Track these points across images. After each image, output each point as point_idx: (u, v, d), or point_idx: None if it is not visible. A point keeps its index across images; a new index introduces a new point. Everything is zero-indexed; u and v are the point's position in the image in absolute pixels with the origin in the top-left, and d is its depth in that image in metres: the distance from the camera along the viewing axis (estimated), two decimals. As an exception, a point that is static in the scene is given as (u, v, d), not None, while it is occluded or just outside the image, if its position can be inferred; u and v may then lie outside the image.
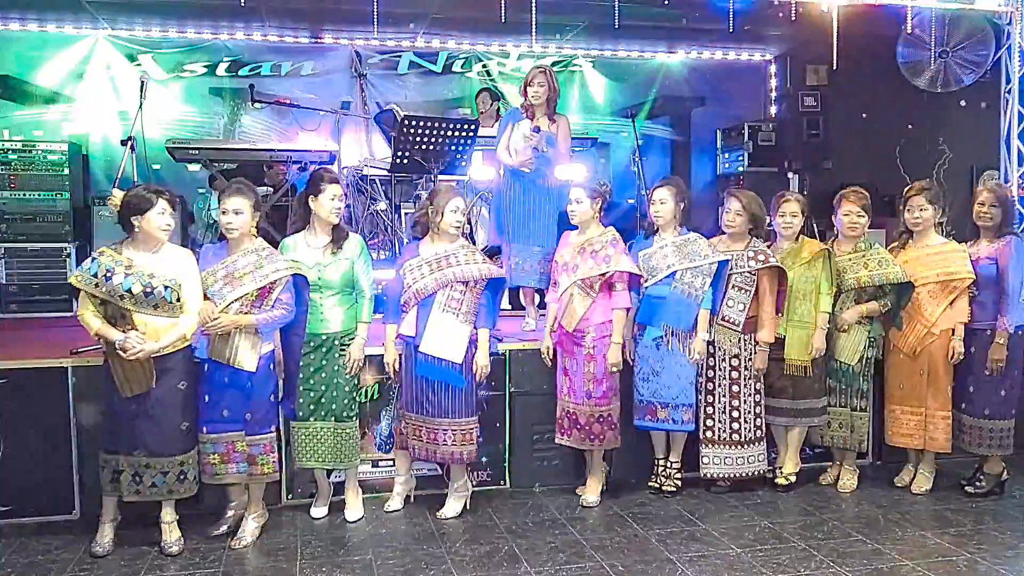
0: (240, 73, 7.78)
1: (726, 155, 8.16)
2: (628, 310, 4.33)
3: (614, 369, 4.29)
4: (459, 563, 3.69)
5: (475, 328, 4.17)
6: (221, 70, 7.77)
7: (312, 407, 4.10)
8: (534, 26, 5.46)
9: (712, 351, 4.50)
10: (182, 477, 3.76)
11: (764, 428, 4.58)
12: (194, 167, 6.48)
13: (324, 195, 4.03)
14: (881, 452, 5.07)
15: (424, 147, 5.20)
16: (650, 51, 8.42)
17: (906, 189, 4.64)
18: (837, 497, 4.59)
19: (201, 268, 3.83)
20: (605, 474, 4.55)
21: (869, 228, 4.66)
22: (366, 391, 4.46)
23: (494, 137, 6.38)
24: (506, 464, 4.71)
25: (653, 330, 4.40)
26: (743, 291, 4.45)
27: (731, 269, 4.44)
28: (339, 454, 4.15)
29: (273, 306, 3.82)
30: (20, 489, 4.16)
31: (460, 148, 5.32)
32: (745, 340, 4.47)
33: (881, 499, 4.54)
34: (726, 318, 4.47)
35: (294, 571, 3.63)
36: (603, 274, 4.24)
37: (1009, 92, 6.08)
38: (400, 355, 4.23)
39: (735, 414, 4.50)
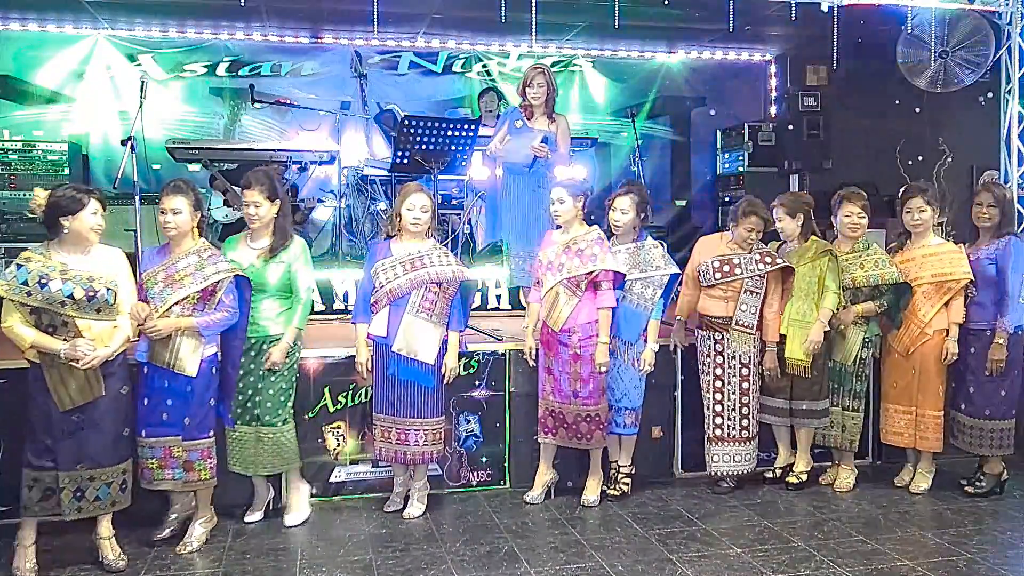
0: (240, 73, 7.79)
1: (726, 155, 8.16)
2: (614, 308, 4.30)
3: (603, 369, 4.27)
4: (459, 563, 3.69)
5: (447, 330, 4.17)
6: (221, 70, 7.77)
7: (239, 411, 4.02)
8: (534, 26, 5.46)
9: (719, 350, 4.51)
10: (124, 487, 3.64)
11: (759, 426, 4.62)
12: (194, 167, 6.48)
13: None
14: (881, 452, 5.08)
15: (424, 147, 5.21)
16: (650, 51, 8.43)
17: (903, 190, 4.65)
18: (837, 497, 4.59)
19: (141, 271, 3.76)
20: (601, 475, 4.54)
21: (869, 228, 4.67)
22: (366, 391, 4.46)
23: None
24: (506, 464, 4.71)
25: None
26: (753, 294, 4.46)
27: (742, 274, 4.44)
28: (270, 459, 4.05)
29: (216, 308, 3.74)
30: (19, 490, 4.14)
31: (460, 148, 5.33)
32: (754, 339, 4.50)
33: (881, 499, 4.54)
34: (740, 322, 4.47)
35: (294, 571, 3.63)
36: (589, 273, 4.21)
37: (1009, 92, 6.08)
38: (371, 355, 4.20)
39: (744, 411, 4.52)
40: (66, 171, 6.64)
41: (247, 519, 4.17)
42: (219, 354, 3.86)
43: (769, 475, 4.75)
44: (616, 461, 4.60)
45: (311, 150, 6.27)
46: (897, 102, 7.51)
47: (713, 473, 4.62)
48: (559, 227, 4.41)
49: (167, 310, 3.67)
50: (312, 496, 4.32)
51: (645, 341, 4.40)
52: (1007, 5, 6.00)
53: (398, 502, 4.38)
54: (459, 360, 4.27)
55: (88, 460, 3.52)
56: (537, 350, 4.43)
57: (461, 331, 4.28)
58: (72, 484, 3.50)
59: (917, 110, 7.39)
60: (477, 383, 4.59)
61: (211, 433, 3.86)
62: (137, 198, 5.47)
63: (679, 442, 4.93)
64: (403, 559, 3.75)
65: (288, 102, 7.34)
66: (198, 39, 7.59)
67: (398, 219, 4.17)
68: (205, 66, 7.73)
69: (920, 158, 7.84)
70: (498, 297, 6.09)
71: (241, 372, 3.99)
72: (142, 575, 3.60)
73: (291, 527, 4.11)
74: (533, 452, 4.62)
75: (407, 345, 4.09)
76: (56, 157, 6.68)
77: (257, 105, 7.37)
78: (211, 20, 7.33)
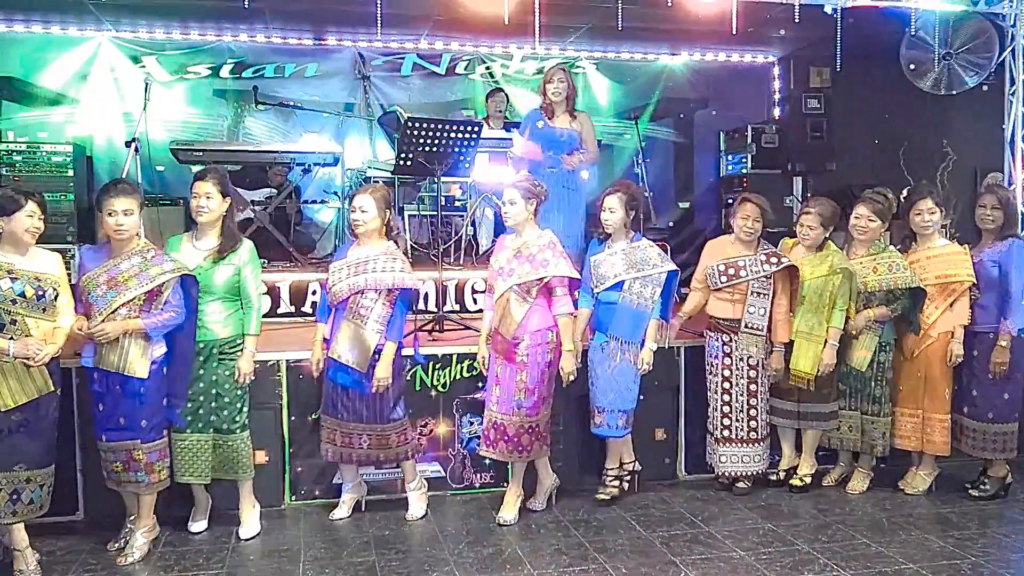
0: (244, 75, 7.79)
1: (729, 157, 8.14)
2: (573, 314, 4.21)
3: (570, 378, 4.17)
4: (462, 565, 3.69)
5: (384, 338, 4.04)
6: (225, 72, 7.77)
7: (190, 418, 3.92)
8: (538, 28, 5.46)
9: (727, 352, 4.51)
10: (50, 491, 3.63)
11: (769, 426, 4.61)
12: (198, 169, 6.48)
13: (191, 193, 3.89)
14: (887, 455, 5.06)
15: (428, 149, 5.21)
16: (653, 53, 8.43)
17: (910, 191, 4.63)
18: (841, 500, 4.58)
19: (79, 273, 3.74)
20: (556, 486, 4.46)
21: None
22: None
23: (500, 139, 6.42)
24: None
25: (600, 336, 4.36)
26: (761, 296, 4.45)
27: (748, 275, 4.44)
28: (223, 467, 4.00)
29: (163, 309, 3.71)
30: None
31: (464, 150, 5.33)
32: (766, 342, 4.50)
33: (885, 502, 4.53)
34: (750, 325, 4.47)
35: (297, 572, 3.64)
36: (541, 279, 4.10)
37: (1013, 94, 6.07)
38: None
39: (752, 412, 4.52)
40: (70, 172, 6.63)
41: (193, 528, 4.08)
42: (169, 354, 3.80)
43: (773, 477, 4.74)
44: (607, 465, 4.54)
45: (315, 152, 6.27)
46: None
47: (722, 474, 4.62)
48: (511, 230, 4.30)
49: (112, 312, 3.62)
50: (315, 497, 4.33)
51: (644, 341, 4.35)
52: (1011, 7, 5.99)
53: (346, 509, 4.31)
54: (392, 370, 4.07)
55: (26, 461, 3.51)
56: (489, 359, 4.29)
57: (398, 340, 4.12)
58: (8, 486, 3.47)
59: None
60: (480, 385, 4.56)
61: (165, 433, 3.83)
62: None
63: (683, 444, 4.93)
64: (406, 560, 3.75)
65: (292, 104, 7.34)
66: (202, 41, 7.60)
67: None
68: (209, 68, 7.74)
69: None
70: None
71: (190, 378, 3.92)
72: (147, 574, 3.62)
73: (247, 539, 4.02)
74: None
75: (339, 351, 4.03)
76: (60, 159, 6.67)
77: (261, 107, 7.39)
78: (215, 22, 7.34)
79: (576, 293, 4.37)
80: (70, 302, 3.68)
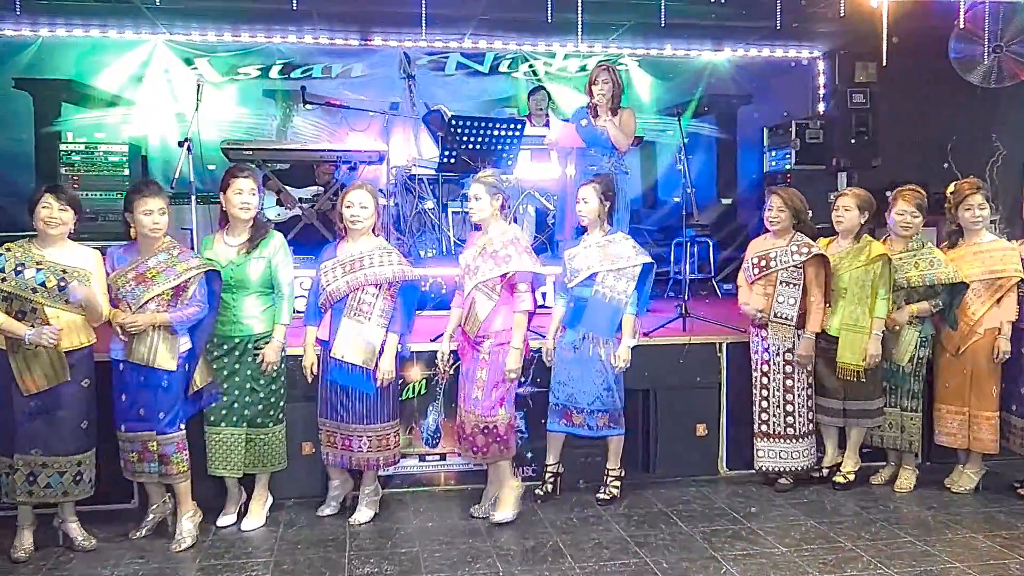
0: (292, 75, 7.95)
1: (773, 153, 8.09)
2: (531, 311, 4.15)
3: (512, 376, 4.09)
4: (504, 557, 3.75)
5: (386, 332, 4.04)
6: (274, 72, 7.94)
7: (224, 412, 3.98)
8: (580, 26, 5.49)
9: (766, 347, 4.50)
10: (78, 478, 3.71)
11: (814, 423, 4.59)
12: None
13: (231, 190, 3.96)
14: (931, 453, 5.01)
15: (471, 146, 5.27)
16: (696, 49, 8.39)
17: (957, 186, 4.56)
18: (886, 497, 4.54)
19: (109, 271, 3.79)
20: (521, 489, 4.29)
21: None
22: (413, 387, 4.53)
23: (541, 137, 6.48)
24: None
25: (572, 333, 4.28)
26: (791, 286, 4.44)
27: (777, 266, 4.44)
28: (257, 460, 4.06)
29: (188, 303, 3.79)
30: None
31: (507, 147, 5.39)
32: (800, 335, 4.47)
33: (931, 500, 4.48)
34: (778, 314, 4.46)
35: (343, 562, 3.72)
36: (505, 275, 4.05)
37: (1065, 87, 5.95)
38: (319, 358, 4.13)
39: (789, 408, 4.51)
40: (126, 172, 6.86)
41: (221, 523, 4.12)
42: (193, 349, 3.88)
43: (816, 474, 4.71)
44: (608, 465, 4.48)
45: (360, 150, 6.37)
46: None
47: (759, 468, 4.61)
48: (478, 227, 4.27)
49: (141, 307, 3.71)
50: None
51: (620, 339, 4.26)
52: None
53: (334, 506, 4.30)
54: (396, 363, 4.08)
55: (42, 446, 3.63)
56: (454, 356, 4.26)
57: (404, 334, 4.13)
58: (25, 468, 3.63)
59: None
60: (522, 380, 4.55)
61: (183, 426, 3.89)
62: (193, 198, 5.64)
63: (724, 440, 4.92)
64: (448, 552, 3.82)
65: (338, 103, 7.46)
66: (252, 43, 7.78)
67: (339, 218, 4.10)
68: (258, 69, 7.91)
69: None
70: (544, 295, 6.13)
71: (225, 373, 3.99)
72: (197, 562, 3.73)
73: (250, 531, 4.08)
74: (577, 448, 4.65)
75: (342, 349, 4.00)
76: (117, 158, 6.90)
77: (308, 106, 7.51)
78: (264, 24, 7.51)
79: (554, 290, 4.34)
80: (105, 297, 3.74)
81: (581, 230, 4.44)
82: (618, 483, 4.49)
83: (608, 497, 4.44)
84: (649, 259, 4.31)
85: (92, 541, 3.85)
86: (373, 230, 4.16)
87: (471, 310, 4.10)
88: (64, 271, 3.63)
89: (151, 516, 4.03)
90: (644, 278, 4.30)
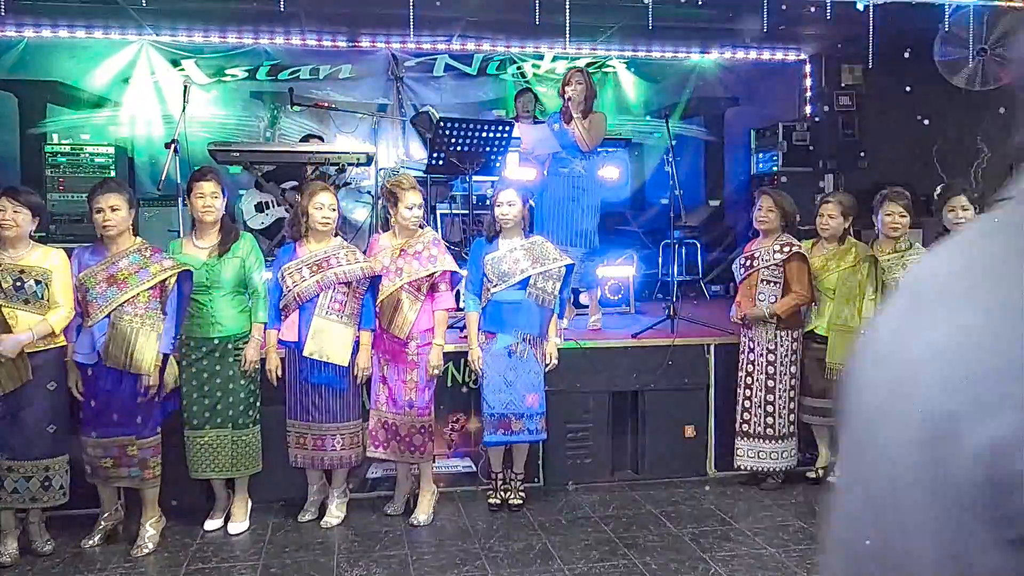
0: (280, 77, 7.91)
1: (760, 155, 8.12)
2: (451, 309, 4.23)
3: (436, 372, 4.16)
4: (493, 559, 3.75)
5: (358, 329, 4.09)
6: (261, 74, 7.90)
7: (207, 415, 3.97)
8: (568, 28, 5.50)
9: (752, 347, 4.52)
10: (47, 484, 3.65)
11: (797, 424, 4.61)
12: (235, 169, 6.62)
13: (193, 193, 3.95)
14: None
15: (459, 148, 5.27)
16: (684, 51, 8.42)
17: (944, 189, 4.60)
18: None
19: (76, 271, 3.74)
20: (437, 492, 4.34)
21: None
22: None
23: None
24: (540, 461, 4.76)
25: (505, 338, 4.23)
26: (772, 284, 4.50)
27: (759, 264, 4.49)
28: (237, 462, 4.04)
29: (167, 305, 3.76)
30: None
31: (495, 149, 5.39)
32: (781, 336, 4.50)
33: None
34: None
35: (332, 565, 3.71)
36: (431, 275, 4.13)
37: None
38: (284, 361, 4.12)
39: (769, 408, 4.53)
40: (112, 173, 6.79)
41: (208, 527, 4.10)
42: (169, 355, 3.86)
43: (810, 475, 4.74)
44: (511, 469, 4.44)
45: (348, 152, 6.36)
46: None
47: (738, 467, 4.64)
48: (386, 229, 4.26)
49: (114, 310, 3.65)
50: (350, 490, 4.41)
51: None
52: (1048, 1, 5.93)
53: (313, 511, 4.27)
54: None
55: (7, 450, 3.60)
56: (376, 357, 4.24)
57: (372, 329, 4.16)
58: None
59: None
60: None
61: (159, 430, 3.87)
62: (180, 200, 5.60)
63: (712, 441, 4.95)
64: (438, 555, 3.82)
65: (326, 105, 7.45)
66: (239, 44, 7.74)
67: (304, 219, 4.07)
68: (246, 71, 7.87)
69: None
70: (458, 294, 6.14)
71: (205, 375, 3.97)
72: (184, 566, 3.71)
73: (236, 535, 4.07)
74: (567, 450, 4.66)
75: (319, 349, 3.99)
76: (103, 160, 6.85)
77: (296, 108, 7.50)
78: (251, 26, 7.49)
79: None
80: (66, 297, 3.69)
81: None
82: (523, 486, 4.46)
83: (520, 501, 4.39)
84: (571, 260, 4.38)
85: (50, 546, 3.79)
86: (334, 230, 4.19)
87: (397, 311, 4.11)
88: (22, 271, 3.59)
89: (103, 524, 3.95)
90: (566, 279, 4.36)
